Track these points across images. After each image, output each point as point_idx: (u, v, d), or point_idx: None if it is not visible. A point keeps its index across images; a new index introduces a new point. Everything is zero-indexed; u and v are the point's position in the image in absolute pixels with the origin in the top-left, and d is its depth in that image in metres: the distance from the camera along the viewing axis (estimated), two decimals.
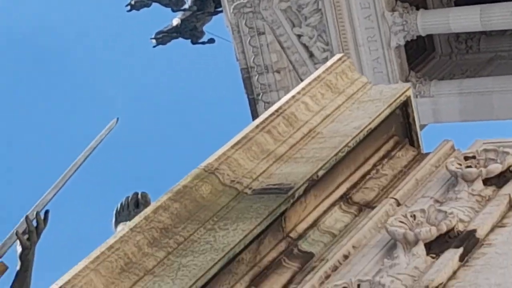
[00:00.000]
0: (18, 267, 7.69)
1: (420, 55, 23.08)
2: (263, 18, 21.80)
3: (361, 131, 6.57)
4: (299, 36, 21.58)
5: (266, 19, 21.68)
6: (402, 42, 19.85)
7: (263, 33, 22.69)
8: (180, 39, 23.89)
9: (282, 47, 20.87)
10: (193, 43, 23.99)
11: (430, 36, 23.09)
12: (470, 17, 20.97)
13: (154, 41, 23.41)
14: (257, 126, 6.46)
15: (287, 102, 6.68)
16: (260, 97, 24.51)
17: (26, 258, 7.63)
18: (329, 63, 7.12)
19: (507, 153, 6.36)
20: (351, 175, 6.58)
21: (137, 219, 5.78)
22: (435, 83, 21.99)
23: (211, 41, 24.67)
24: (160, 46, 23.72)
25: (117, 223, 7.31)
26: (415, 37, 21.47)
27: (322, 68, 6.94)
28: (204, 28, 24.01)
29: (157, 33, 23.68)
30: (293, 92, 6.76)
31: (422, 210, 5.94)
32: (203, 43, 24.27)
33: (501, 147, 6.46)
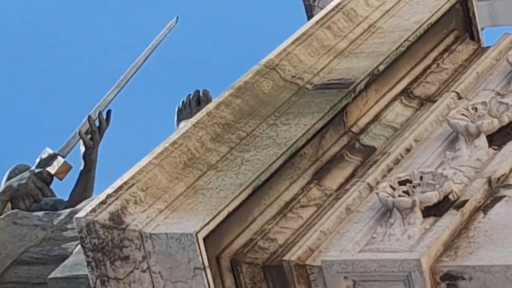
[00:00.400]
0: (81, 167, 7.78)
1: None
2: None
3: (421, 25, 6.52)
4: None
5: None
6: None
7: None
8: None
9: None
10: None
11: None
12: None
13: None
14: (317, 22, 6.41)
15: None
16: (316, 3, 24.41)
17: (89, 157, 7.75)
18: None
19: None
20: (411, 70, 6.51)
21: (199, 115, 5.79)
22: None
23: None
24: None
25: (179, 121, 7.29)
26: None
27: None
28: None
29: None
30: None
31: (484, 103, 5.88)
32: None
33: None
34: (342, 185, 5.75)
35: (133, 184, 5.34)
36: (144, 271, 5.20)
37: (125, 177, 5.38)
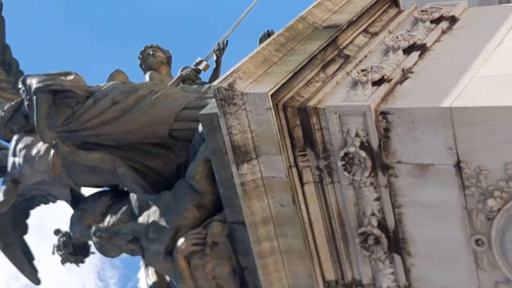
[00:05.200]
0: (214, 66, 8.18)
1: None
2: None
3: (371, 1, 6.62)
4: None
5: None
6: None
7: None
8: None
9: None
10: None
11: None
12: None
13: None
14: None
15: None
16: None
17: (218, 61, 8.18)
18: None
19: (440, 8, 6.43)
20: (368, 20, 6.62)
21: (269, 40, 6.04)
22: None
23: None
24: None
25: (260, 43, 7.36)
26: None
27: None
28: None
29: None
30: None
31: (401, 34, 6.11)
32: None
33: None
34: (334, 72, 6.09)
35: (238, 70, 5.77)
36: (243, 110, 5.67)
37: (235, 66, 5.78)
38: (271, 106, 5.57)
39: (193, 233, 6.45)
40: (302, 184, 5.87)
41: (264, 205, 5.91)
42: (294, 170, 5.82)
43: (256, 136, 5.71)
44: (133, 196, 7.05)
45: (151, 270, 7.21)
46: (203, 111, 6.06)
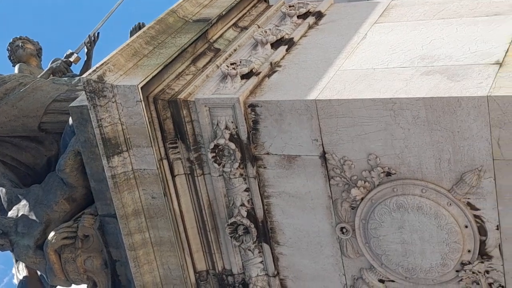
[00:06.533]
0: (85, 59, 8.09)
1: None
2: None
3: None
4: None
5: None
6: None
7: None
8: None
9: None
10: None
11: None
12: None
13: None
14: None
15: None
16: None
17: (89, 53, 8.09)
18: None
19: (307, 3, 6.54)
20: (238, 14, 6.72)
21: (140, 32, 6.07)
22: None
23: None
24: None
25: (131, 36, 7.22)
26: None
27: None
28: None
29: None
30: None
31: (270, 29, 6.25)
32: None
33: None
34: (205, 66, 6.05)
35: (108, 62, 5.69)
36: (113, 102, 5.59)
37: (105, 59, 5.74)
38: (141, 99, 5.54)
39: (63, 226, 6.39)
40: (173, 176, 5.87)
41: (135, 198, 5.88)
42: (165, 162, 5.81)
43: (126, 129, 5.67)
44: (1, 190, 6.94)
45: (21, 265, 7.05)
46: (73, 104, 6.00)
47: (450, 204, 5.17)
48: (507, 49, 5.28)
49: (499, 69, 5.02)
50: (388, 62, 5.49)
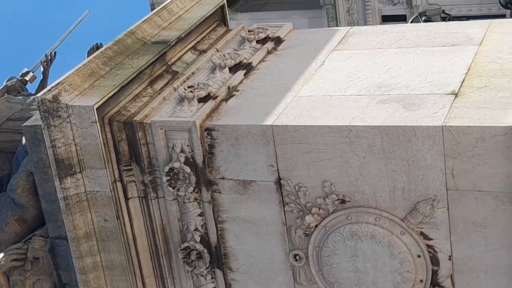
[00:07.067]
0: (41, 78, 7.98)
1: None
2: None
3: (202, 17, 6.72)
4: None
5: None
6: None
7: None
8: None
9: None
10: None
11: None
12: None
13: None
14: (154, 13, 6.57)
15: (169, 3, 6.73)
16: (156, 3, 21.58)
17: (45, 72, 7.97)
18: None
19: (266, 28, 6.62)
20: (197, 37, 6.74)
21: (97, 53, 6.03)
22: None
23: None
24: None
25: (88, 56, 7.16)
26: None
27: None
28: None
29: None
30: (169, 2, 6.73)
31: (228, 53, 6.27)
32: None
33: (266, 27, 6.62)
34: (162, 88, 6.06)
35: (64, 82, 5.63)
36: (67, 122, 5.53)
37: (61, 78, 5.67)
38: (97, 120, 5.50)
39: (13, 248, 6.27)
40: (126, 199, 5.81)
41: (87, 220, 5.80)
42: (119, 184, 5.76)
43: (80, 150, 5.61)
44: None
45: None
46: (26, 123, 5.95)
47: (403, 233, 5.19)
48: (463, 80, 5.36)
49: (454, 99, 5.06)
50: (345, 89, 5.52)
